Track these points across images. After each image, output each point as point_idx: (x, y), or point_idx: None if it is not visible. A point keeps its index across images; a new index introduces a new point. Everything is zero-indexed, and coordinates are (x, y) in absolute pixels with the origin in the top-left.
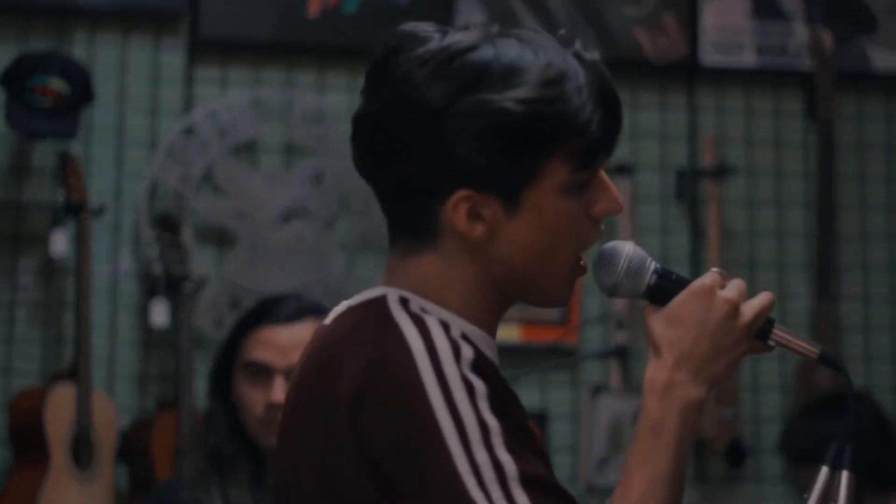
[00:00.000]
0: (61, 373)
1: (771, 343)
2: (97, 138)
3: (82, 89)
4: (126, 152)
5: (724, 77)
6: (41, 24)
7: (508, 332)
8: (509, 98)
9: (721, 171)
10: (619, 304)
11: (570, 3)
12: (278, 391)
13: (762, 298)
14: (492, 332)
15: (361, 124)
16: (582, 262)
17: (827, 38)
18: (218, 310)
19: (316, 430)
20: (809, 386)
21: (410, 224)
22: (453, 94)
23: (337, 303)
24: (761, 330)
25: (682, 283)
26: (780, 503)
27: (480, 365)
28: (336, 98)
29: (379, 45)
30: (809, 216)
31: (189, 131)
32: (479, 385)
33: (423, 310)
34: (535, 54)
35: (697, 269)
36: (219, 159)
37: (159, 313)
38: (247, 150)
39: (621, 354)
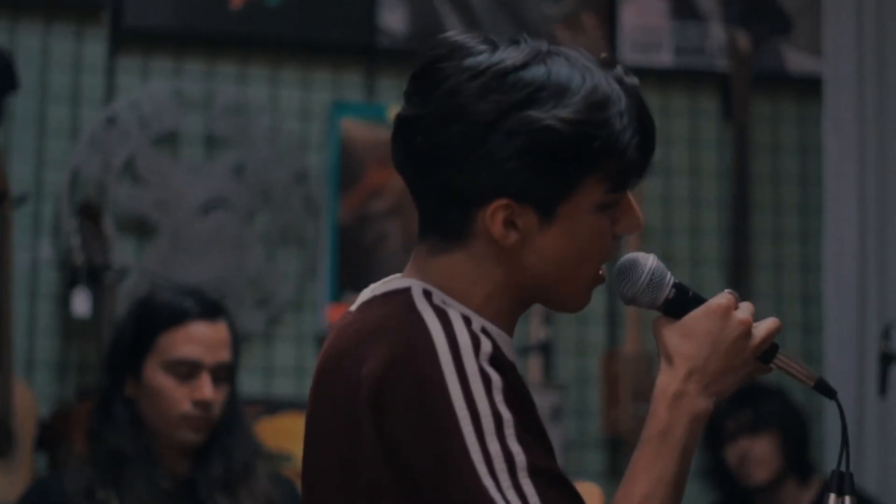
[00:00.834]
0: None
1: (772, 366)
2: (18, 127)
3: (7, 78)
4: (47, 141)
5: (642, 76)
6: None
7: None
8: (556, 117)
9: None
10: None
11: (491, 1)
12: (208, 388)
13: (770, 323)
14: (510, 332)
15: (406, 127)
16: (601, 273)
17: (743, 40)
18: None
19: (340, 411)
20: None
21: (445, 224)
22: (504, 109)
23: (257, 295)
24: (766, 353)
25: (697, 300)
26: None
27: (498, 358)
28: (258, 90)
29: (425, 52)
30: (724, 214)
31: (111, 121)
32: (496, 377)
33: (444, 303)
34: (582, 76)
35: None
36: (140, 150)
37: (81, 303)
38: (168, 140)
39: (544, 349)
